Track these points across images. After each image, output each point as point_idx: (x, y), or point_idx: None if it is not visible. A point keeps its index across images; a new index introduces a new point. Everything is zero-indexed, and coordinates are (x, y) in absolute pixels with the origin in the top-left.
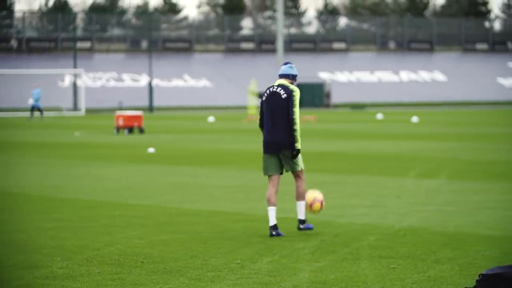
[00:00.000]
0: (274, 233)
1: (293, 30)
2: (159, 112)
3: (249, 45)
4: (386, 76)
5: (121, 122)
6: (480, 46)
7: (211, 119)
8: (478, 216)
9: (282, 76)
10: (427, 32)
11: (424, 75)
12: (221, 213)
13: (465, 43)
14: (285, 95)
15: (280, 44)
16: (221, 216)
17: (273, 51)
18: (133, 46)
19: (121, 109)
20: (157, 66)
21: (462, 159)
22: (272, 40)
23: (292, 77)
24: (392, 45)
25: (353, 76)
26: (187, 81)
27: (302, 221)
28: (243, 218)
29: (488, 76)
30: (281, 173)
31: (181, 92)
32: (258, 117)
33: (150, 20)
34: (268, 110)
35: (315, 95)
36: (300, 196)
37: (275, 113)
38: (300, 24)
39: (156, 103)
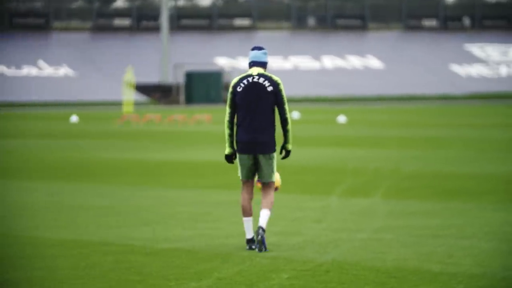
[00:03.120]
0: (252, 246)
1: (181, 2)
2: (4, 109)
3: (125, 22)
4: (304, 62)
5: None
6: (427, 22)
7: (74, 118)
8: (424, 246)
9: (256, 64)
10: (357, 4)
11: (354, 61)
12: (85, 243)
13: (407, 19)
14: (271, 88)
15: (164, 21)
16: (85, 247)
17: (156, 29)
18: None
19: None
20: (0, 48)
21: (403, 171)
22: (154, 16)
23: (266, 66)
24: (311, 21)
25: None
26: (42, 69)
27: (263, 230)
28: (114, 250)
29: (438, 62)
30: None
31: (34, 83)
32: (228, 110)
33: None
34: (246, 104)
35: (211, 87)
36: (269, 204)
37: (257, 108)
38: None
39: (0, 97)
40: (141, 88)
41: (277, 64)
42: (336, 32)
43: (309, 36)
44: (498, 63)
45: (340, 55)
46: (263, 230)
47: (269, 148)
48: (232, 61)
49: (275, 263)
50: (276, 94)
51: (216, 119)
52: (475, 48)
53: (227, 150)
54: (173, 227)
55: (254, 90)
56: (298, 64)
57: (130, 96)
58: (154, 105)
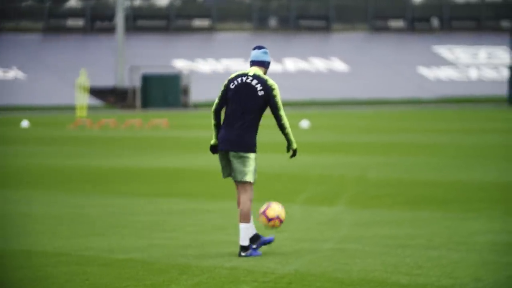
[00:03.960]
0: (242, 254)
1: (138, 2)
2: None
3: (78, 22)
4: None
5: None
6: (394, 23)
7: (25, 123)
8: (391, 256)
9: (255, 63)
10: (321, 4)
11: (317, 64)
12: (38, 254)
13: (373, 20)
14: (262, 92)
15: (120, 21)
16: (37, 257)
17: (111, 30)
18: None
19: None
20: None
21: (369, 179)
22: (109, 16)
23: (267, 65)
24: (273, 22)
25: (220, 65)
26: None
27: (244, 248)
28: (69, 261)
29: (406, 64)
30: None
31: None
32: (216, 101)
33: None
34: (234, 104)
35: (168, 91)
36: (243, 216)
37: (243, 110)
38: None
39: None
40: (96, 92)
41: (237, 67)
42: (299, 33)
43: (271, 38)
44: (467, 66)
45: (303, 57)
46: (244, 248)
47: (240, 147)
48: (191, 64)
49: (235, 274)
50: (269, 99)
51: (173, 124)
52: (444, 50)
53: (212, 141)
54: (128, 236)
55: (244, 90)
56: None
57: (83, 100)
58: (109, 110)
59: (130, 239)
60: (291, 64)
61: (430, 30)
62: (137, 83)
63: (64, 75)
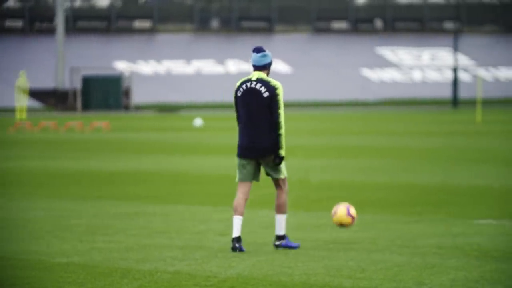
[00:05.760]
0: (237, 245)
1: (78, 3)
2: None
3: (17, 23)
4: (207, 66)
5: None
6: (337, 25)
7: None
8: (334, 260)
9: (256, 68)
10: (264, 5)
11: None
12: None
13: (316, 21)
14: (267, 93)
15: (60, 22)
16: None
17: (51, 31)
18: None
19: None
20: None
21: (312, 181)
22: (49, 17)
23: (268, 66)
24: (215, 23)
25: (161, 67)
26: None
27: (280, 237)
28: (11, 265)
29: (349, 66)
30: (257, 180)
31: None
32: (236, 114)
33: None
34: (245, 110)
35: (110, 93)
36: (280, 208)
37: (255, 114)
38: None
39: None
40: (35, 94)
41: (178, 68)
42: (241, 34)
43: (213, 39)
44: (411, 68)
45: (245, 59)
46: (279, 238)
47: (269, 152)
48: (132, 65)
49: (177, 278)
50: (271, 99)
51: (115, 126)
52: (387, 52)
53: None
54: (69, 240)
55: (251, 95)
56: (201, 68)
57: (23, 102)
58: (49, 112)
59: (71, 243)
60: (233, 65)
61: (373, 31)
62: (77, 85)
63: (3, 77)
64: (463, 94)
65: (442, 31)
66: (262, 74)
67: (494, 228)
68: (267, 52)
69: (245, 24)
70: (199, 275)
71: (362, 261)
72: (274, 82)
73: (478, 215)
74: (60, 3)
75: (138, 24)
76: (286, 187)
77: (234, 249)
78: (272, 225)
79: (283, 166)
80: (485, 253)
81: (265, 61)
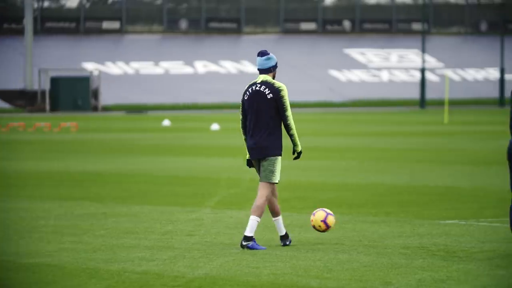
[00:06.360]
0: (287, 243)
1: (46, 4)
2: None
3: None
4: (176, 67)
5: None
6: (305, 26)
7: None
8: (301, 260)
9: (261, 71)
10: (232, 7)
11: (228, 66)
12: None
13: (285, 23)
14: (271, 95)
15: (28, 23)
16: None
17: (20, 32)
18: None
19: None
20: None
21: (279, 182)
22: (17, 18)
23: (273, 69)
24: (184, 24)
25: (130, 68)
26: None
27: (248, 238)
28: None
29: (317, 67)
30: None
31: None
32: (240, 117)
33: None
34: (251, 112)
35: (78, 94)
36: (257, 210)
37: (260, 116)
38: None
39: None
40: (4, 95)
41: (147, 69)
42: (210, 36)
43: (181, 40)
44: (379, 69)
45: (214, 60)
46: (247, 239)
47: (266, 152)
48: (101, 66)
49: (144, 279)
50: (277, 101)
51: (83, 127)
52: (355, 53)
53: (247, 156)
54: (37, 241)
55: (257, 98)
56: (169, 69)
57: None
58: (18, 113)
59: (39, 243)
60: (201, 66)
61: (341, 32)
62: (46, 85)
63: None
64: (430, 95)
65: (410, 32)
66: (267, 77)
67: (460, 229)
68: (271, 55)
69: (214, 25)
70: (166, 275)
71: (329, 261)
72: (278, 83)
73: (444, 215)
74: (28, 4)
75: (106, 25)
76: (270, 193)
77: (284, 245)
78: (239, 225)
79: (278, 171)
80: (451, 253)
81: (269, 64)
